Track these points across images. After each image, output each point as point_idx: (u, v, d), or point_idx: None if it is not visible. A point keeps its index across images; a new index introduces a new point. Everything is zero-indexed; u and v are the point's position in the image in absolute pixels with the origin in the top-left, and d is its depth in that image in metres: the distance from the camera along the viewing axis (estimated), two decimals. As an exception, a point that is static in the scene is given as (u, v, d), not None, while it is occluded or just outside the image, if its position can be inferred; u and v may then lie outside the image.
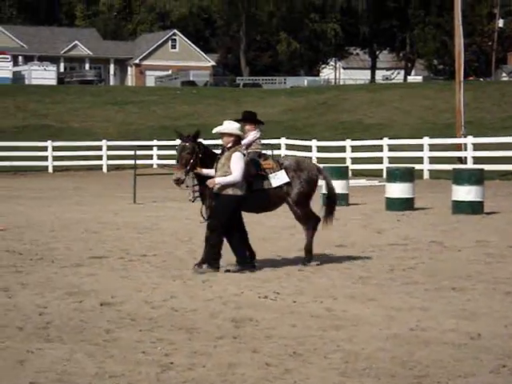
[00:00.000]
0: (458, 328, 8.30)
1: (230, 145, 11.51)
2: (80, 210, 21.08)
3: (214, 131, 11.71)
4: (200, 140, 11.96)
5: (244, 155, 11.55)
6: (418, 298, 9.82)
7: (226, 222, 11.52)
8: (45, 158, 40.70)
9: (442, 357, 7.31)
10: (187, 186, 11.88)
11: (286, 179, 11.99)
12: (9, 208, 21.45)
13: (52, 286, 10.60)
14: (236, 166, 11.37)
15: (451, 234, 16.00)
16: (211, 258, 11.60)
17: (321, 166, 13.65)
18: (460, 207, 19.30)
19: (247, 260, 11.80)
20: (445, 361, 7.20)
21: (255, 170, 11.81)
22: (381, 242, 14.83)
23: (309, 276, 11.36)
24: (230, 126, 11.57)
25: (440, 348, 7.60)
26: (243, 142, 11.85)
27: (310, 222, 12.35)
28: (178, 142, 12.14)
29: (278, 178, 11.95)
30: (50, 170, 40.63)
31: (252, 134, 12.32)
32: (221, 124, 11.75)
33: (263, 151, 12.50)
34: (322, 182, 12.97)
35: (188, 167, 11.62)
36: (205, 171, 11.66)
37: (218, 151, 11.95)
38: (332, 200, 12.62)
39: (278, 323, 8.57)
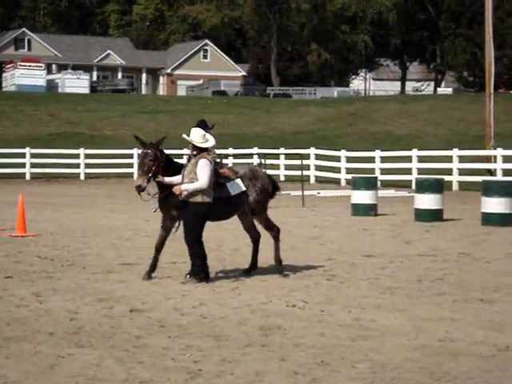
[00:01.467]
0: (487, 340, 8.30)
1: (195, 152, 11.46)
2: (111, 217, 21.23)
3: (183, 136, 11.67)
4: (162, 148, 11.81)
5: (210, 162, 11.41)
6: (447, 309, 9.81)
7: (199, 229, 11.39)
8: (77, 166, 41.04)
9: (470, 368, 7.32)
10: (149, 194, 11.75)
11: (243, 188, 11.86)
12: (42, 214, 21.66)
13: (83, 292, 10.71)
14: (202, 172, 11.27)
15: (480, 245, 15.94)
16: (200, 270, 11.42)
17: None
18: (489, 219, 19.23)
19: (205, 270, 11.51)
20: (473, 372, 7.21)
21: (215, 179, 11.62)
22: (409, 252, 14.81)
23: (337, 285, 11.38)
24: (192, 135, 11.46)
25: (468, 359, 7.60)
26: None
27: (274, 228, 12.25)
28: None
29: (236, 187, 11.82)
30: (82, 177, 40.92)
31: None
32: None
33: (217, 159, 12.45)
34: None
35: (150, 174, 11.58)
36: (167, 179, 11.56)
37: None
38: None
39: (306, 332, 8.61)
